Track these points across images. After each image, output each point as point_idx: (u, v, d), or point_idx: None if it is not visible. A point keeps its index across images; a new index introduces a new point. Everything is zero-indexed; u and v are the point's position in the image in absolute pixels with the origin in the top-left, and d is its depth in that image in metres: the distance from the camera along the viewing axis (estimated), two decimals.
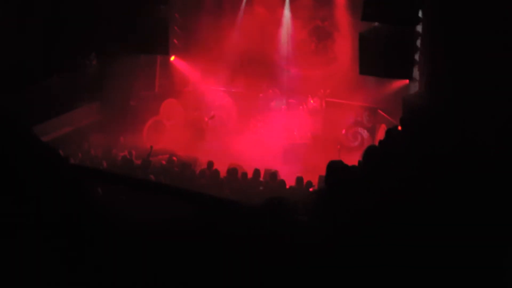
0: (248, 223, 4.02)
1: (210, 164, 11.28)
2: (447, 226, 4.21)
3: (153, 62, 15.70)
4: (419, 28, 11.01)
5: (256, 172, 10.76)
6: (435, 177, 4.82)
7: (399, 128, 8.33)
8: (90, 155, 12.17)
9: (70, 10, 11.75)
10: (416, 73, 11.20)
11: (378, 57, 11.35)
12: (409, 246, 3.92)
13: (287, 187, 10.28)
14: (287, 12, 16.31)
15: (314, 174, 11.19)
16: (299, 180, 10.43)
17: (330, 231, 4.12)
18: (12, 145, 3.24)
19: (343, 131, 15.07)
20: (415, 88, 11.53)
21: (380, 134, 12.80)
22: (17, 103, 9.45)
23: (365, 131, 14.89)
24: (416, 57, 11.07)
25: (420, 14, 10.69)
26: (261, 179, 10.77)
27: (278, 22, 16.59)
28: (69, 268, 3.17)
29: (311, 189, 10.22)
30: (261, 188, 10.37)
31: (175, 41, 15.21)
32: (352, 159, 9.09)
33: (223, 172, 10.82)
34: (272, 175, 10.74)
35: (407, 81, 12.26)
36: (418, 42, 11.04)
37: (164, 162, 11.38)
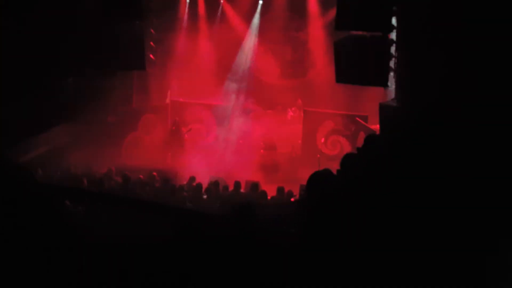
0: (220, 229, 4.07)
1: (192, 178, 11.26)
2: (431, 230, 4.23)
3: (129, 77, 15.62)
4: (393, 35, 11.14)
5: (237, 184, 10.75)
6: (416, 181, 4.86)
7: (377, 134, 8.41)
8: (69, 173, 12.03)
9: (45, 29, 11.64)
10: (391, 79, 11.31)
11: (353, 65, 11.43)
12: (392, 252, 3.95)
13: (269, 197, 10.28)
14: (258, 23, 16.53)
15: (295, 183, 11.21)
16: (280, 190, 10.43)
17: (311, 239, 4.14)
18: None
19: (322, 140, 15.13)
20: (391, 94, 11.64)
21: (359, 142, 12.88)
22: None
23: (344, 139, 14.96)
24: (391, 64, 11.18)
25: (393, 21, 10.83)
26: (242, 190, 10.76)
27: (253, 34, 16.73)
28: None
29: (292, 199, 10.23)
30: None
31: (151, 56, 15.18)
32: (332, 168, 9.12)
33: (204, 186, 10.78)
34: (253, 186, 10.74)
35: (382, 88, 12.37)
36: (393, 49, 11.15)
37: (143, 178, 11.29)
